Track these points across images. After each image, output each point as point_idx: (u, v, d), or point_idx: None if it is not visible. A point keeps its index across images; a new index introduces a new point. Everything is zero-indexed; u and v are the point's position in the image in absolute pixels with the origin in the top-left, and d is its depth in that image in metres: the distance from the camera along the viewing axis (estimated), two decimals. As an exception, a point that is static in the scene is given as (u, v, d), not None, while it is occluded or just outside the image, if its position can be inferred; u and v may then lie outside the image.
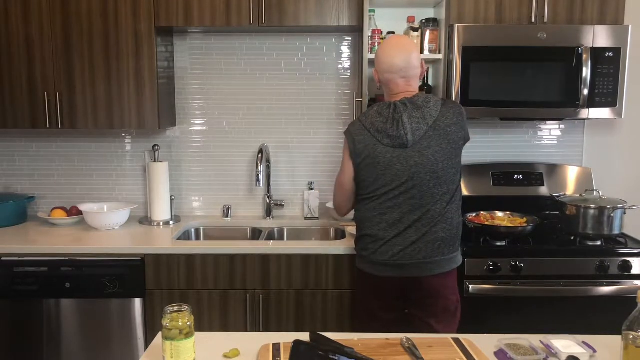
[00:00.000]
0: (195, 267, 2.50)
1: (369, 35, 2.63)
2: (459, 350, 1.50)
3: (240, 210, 3.10)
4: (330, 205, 2.97)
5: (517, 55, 2.57)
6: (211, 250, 2.49)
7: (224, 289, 2.51)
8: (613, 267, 2.42)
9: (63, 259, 2.50)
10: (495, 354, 1.51)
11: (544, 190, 2.93)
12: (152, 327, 2.52)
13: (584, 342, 1.53)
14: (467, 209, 2.72)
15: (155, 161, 2.91)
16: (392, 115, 2.04)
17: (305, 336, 1.45)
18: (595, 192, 2.62)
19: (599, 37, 2.56)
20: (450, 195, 2.07)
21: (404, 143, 2.01)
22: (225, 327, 2.52)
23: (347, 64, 2.99)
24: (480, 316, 2.44)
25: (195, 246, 2.53)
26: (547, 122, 3.02)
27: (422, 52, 2.66)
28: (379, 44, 2.65)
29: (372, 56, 2.59)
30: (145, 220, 2.96)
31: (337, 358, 1.30)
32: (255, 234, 2.96)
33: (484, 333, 1.64)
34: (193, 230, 2.97)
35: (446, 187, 2.05)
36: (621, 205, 2.50)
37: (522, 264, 2.41)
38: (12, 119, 2.69)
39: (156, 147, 2.93)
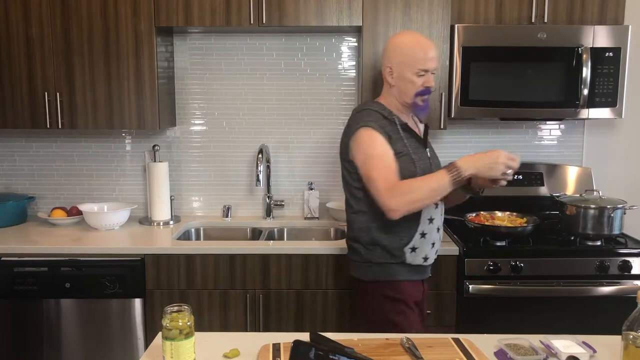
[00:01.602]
0: (195, 267, 2.50)
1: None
2: (459, 350, 1.50)
3: (240, 210, 3.09)
4: (331, 205, 2.97)
5: (517, 55, 2.57)
6: (211, 250, 2.49)
7: (224, 289, 2.51)
8: (613, 267, 2.42)
9: (63, 259, 2.50)
10: (495, 354, 1.51)
11: (544, 190, 2.93)
12: (152, 327, 2.52)
13: (584, 342, 1.52)
14: (467, 209, 2.72)
15: (155, 161, 2.91)
16: None
17: (305, 336, 1.44)
18: (595, 192, 2.62)
19: (599, 37, 2.56)
20: (350, 207, 2.09)
21: None
22: (225, 327, 2.52)
23: (347, 64, 2.99)
24: (480, 316, 2.44)
25: (195, 246, 2.53)
26: (547, 122, 3.02)
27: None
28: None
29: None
30: (145, 220, 2.96)
31: (337, 358, 1.30)
32: (255, 234, 2.96)
33: (484, 333, 1.64)
34: (193, 230, 2.97)
35: (351, 200, 2.08)
36: (621, 205, 2.50)
37: (522, 264, 2.41)
38: (12, 119, 2.69)
39: (156, 147, 2.93)
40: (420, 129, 2.15)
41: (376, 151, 1.94)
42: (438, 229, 2.09)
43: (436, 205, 2.04)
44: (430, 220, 2.02)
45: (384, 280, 2.02)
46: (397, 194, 1.86)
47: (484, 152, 1.87)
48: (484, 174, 1.84)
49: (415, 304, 2.07)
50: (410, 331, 1.89)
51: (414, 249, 2.01)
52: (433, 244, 2.07)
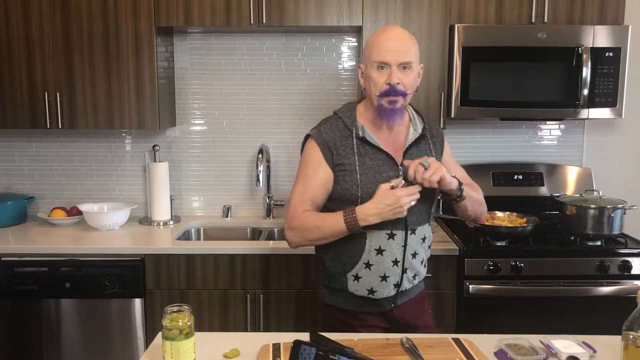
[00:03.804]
0: (195, 267, 2.50)
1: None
2: (459, 350, 1.50)
3: (240, 210, 3.09)
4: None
5: (517, 55, 2.57)
6: (211, 250, 2.49)
7: (224, 289, 2.51)
8: (613, 267, 2.42)
9: (63, 259, 2.50)
10: (495, 354, 1.51)
11: (544, 190, 2.93)
12: (152, 327, 2.52)
13: (584, 342, 1.53)
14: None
15: (155, 161, 2.91)
16: None
17: (305, 336, 1.44)
18: (595, 192, 2.62)
19: (599, 37, 2.56)
20: None
21: None
22: (225, 327, 2.52)
23: (347, 64, 2.99)
24: (480, 316, 2.44)
25: (195, 246, 2.53)
26: (547, 122, 3.02)
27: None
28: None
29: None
30: (145, 220, 2.96)
31: (337, 358, 1.30)
32: (255, 234, 2.96)
33: (484, 333, 1.64)
34: (193, 230, 2.97)
35: None
36: (621, 205, 2.50)
37: (522, 264, 2.41)
38: (12, 119, 2.69)
39: (156, 147, 2.93)
40: (411, 136, 1.81)
41: (305, 170, 1.79)
42: (396, 263, 1.76)
43: (391, 236, 1.74)
44: (379, 251, 1.74)
45: (335, 306, 1.84)
46: (295, 228, 1.75)
47: (380, 193, 1.66)
48: (390, 217, 1.65)
49: (383, 329, 1.82)
50: None
51: (357, 278, 1.77)
52: (384, 277, 1.76)
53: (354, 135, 1.77)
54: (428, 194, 1.78)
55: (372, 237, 1.74)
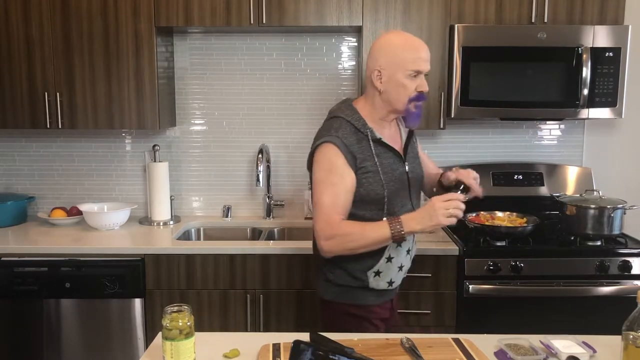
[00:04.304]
0: (195, 267, 2.50)
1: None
2: (459, 350, 1.50)
3: (240, 210, 3.09)
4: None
5: (517, 55, 2.57)
6: (211, 250, 2.49)
7: (224, 289, 2.51)
8: (613, 267, 2.42)
9: (63, 259, 2.50)
10: (495, 354, 1.51)
11: (544, 190, 2.93)
12: (152, 327, 2.52)
13: (584, 342, 1.53)
14: (467, 209, 2.71)
15: (155, 161, 2.91)
16: None
17: (305, 336, 1.44)
18: (595, 192, 2.62)
19: (599, 37, 2.56)
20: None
21: None
22: (225, 327, 2.52)
23: (347, 64, 2.99)
24: (480, 316, 2.44)
25: (195, 246, 2.53)
26: (547, 122, 3.02)
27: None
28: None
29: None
30: (145, 220, 2.96)
31: (337, 358, 1.30)
32: (255, 234, 2.96)
33: (484, 333, 1.64)
34: (193, 230, 2.97)
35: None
36: (621, 205, 2.50)
37: (522, 264, 2.41)
38: (12, 119, 2.69)
39: (156, 147, 2.93)
40: (403, 139, 1.94)
41: (331, 177, 1.76)
42: (408, 251, 1.91)
43: None
44: (399, 244, 1.84)
45: (345, 302, 1.88)
46: (334, 237, 1.73)
47: (425, 206, 1.73)
48: (430, 229, 1.72)
49: (381, 320, 1.92)
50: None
51: (377, 273, 1.84)
52: (401, 267, 1.89)
53: (369, 138, 1.81)
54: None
55: None
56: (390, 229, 1.71)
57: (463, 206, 1.72)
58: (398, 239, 1.73)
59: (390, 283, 1.87)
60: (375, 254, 1.81)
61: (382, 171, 1.80)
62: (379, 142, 1.82)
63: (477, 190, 1.82)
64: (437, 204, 1.69)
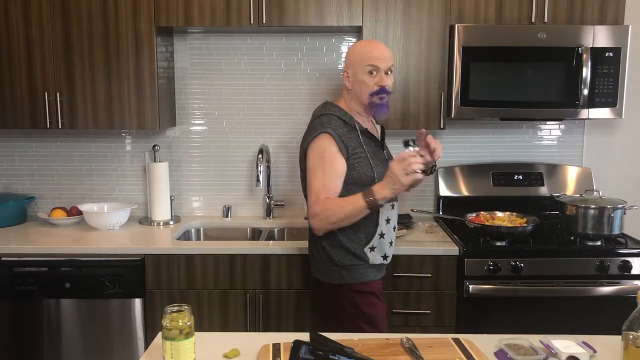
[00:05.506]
0: (195, 267, 2.50)
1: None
2: (459, 350, 1.50)
3: (240, 210, 3.09)
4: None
5: (517, 55, 2.57)
6: (211, 250, 2.49)
7: (224, 289, 2.51)
8: (613, 267, 2.42)
9: (63, 259, 2.50)
10: (495, 354, 1.51)
11: (544, 190, 2.93)
12: (152, 327, 2.52)
13: (584, 342, 1.53)
14: (467, 209, 2.72)
15: (155, 161, 2.91)
16: None
17: (305, 336, 1.44)
18: (595, 192, 2.62)
19: (599, 37, 2.56)
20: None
21: None
22: (225, 327, 2.52)
23: (347, 64, 2.99)
24: (480, 316, 2.44)
25: (195, 246, 2.53)
26: (547, 122, 3.02)
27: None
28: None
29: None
30: (145, 220, 2.96)
31: (337, 358, 1.30)
32: (255, 234, 2.96)
33: (484, 333, 1.64)
34: (193, 230, 2.97)
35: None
36: (621, 205, 2.50)
37: (522, 264, 2.41)
38: (12, 119, 2.69)
39: (156, 147, 2.93)
40: (378, 132, 2.22)
41: (323, 162, 1.99)
42: (394, 228, 2.17)
43: (392, 205, 2.11)
44: (387, 220, 2.10)
45: (353, 282, 2.07)
46: (319, 214, 1.96)
47: (390, 168, 1.87)
48: (400, 190, 1.86)
49: (381, 294, 2.17)
50: (380, 321, 2.07)
51: (372, 249, 2.07)
52: (391, 242, 2.14)
53: (357, 129, 2.08)
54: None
55: (383, 210, 2.05)
56: (364, 199, 1.91)
57: (419, 159, 1.84)
58: (373, 207, 1.92)
59: (385, 257, 2.11)
60: (370, 231, 2.06)
61: (370, 157, 2.06)
62: (365, 132, 2.10)
63: (426, 142, 1.97)
64: (394, 167, 1.85)
